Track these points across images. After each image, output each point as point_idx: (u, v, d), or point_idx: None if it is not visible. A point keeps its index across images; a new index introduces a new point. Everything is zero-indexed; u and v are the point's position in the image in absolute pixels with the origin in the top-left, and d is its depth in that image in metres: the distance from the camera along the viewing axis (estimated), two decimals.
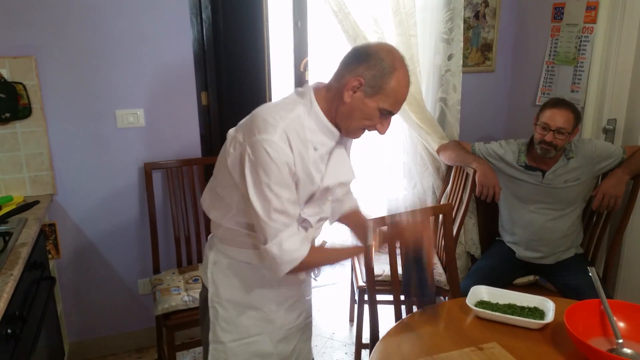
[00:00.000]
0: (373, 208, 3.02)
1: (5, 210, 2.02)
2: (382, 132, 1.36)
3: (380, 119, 1.33)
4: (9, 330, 1.45)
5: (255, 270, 1.45)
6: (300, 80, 2.77)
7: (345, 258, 1.49)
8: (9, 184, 2.25)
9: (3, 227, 1.83)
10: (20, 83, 2.18)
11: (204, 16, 2.40)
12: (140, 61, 2.33)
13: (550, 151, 2.21)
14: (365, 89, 1.28)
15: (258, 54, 2.50)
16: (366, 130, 1.38)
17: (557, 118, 2.16)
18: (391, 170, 2.89)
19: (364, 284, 2.25)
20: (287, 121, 1.27)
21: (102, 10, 2.23)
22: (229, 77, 2.49)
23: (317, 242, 1.52)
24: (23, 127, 2.22)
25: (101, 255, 2.49)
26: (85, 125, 2.33)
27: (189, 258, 2.52)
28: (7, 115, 2.17)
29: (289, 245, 1.29)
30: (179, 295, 2.18)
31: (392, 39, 2.52)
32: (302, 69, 2.76)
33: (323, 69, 2.97)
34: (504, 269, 2.38)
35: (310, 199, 1.36)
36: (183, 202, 2.49)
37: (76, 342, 2.53)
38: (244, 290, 1.47)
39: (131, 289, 2.58)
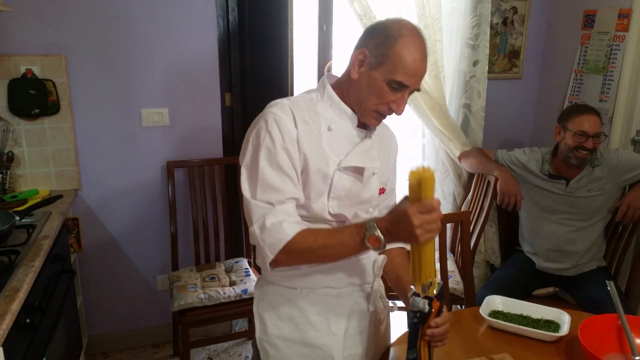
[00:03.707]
0: None
1: (30, 203, 2.08)
2: (397, 111, 1.21)
3: (393, 95, 1.19)
4: (28, 320, 1.49)
5: (304, 297, 1.28)
6: None
7: (347, 239, 1.14)
8: (36, 178, 2.32)
9: (27, 220, 1.88)
10: (50, 80, 2.25)
11: (230, 18, 2.43)
12: (167, 62, 2.38)
13: (587, 158, 2.17)
14: (370, 59, 1.18)
15: (282, 57, 2.52)
16: (384, 115, 1.24)
17: (593, 124, 2.14)
18: None
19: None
20: (294, 101, 1.24)
21: (130, 11, 2.28)
22: (253, 78, 2.52)
23: None
24: (51, 123, 2.29)
25: (122, 250, 2.54)
26: (111, 123, 2.38)
27: (207, 256, 2.55)
28: (37, 111, 2.24)
29: (273, 225, 1.14)
30: (195, 292, 2.21)
31: None
32: (326, 72, 2.76)
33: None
34: (523, 279, 2.34)
35: (338, 198, 1.24)
36: (203, 201, 2.53)
37: (94, 334, 2.58)
38: (292, 323, 1.28)
39: (150, 285, 2.63)
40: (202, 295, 2.19)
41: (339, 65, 2.82)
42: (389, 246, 1.34)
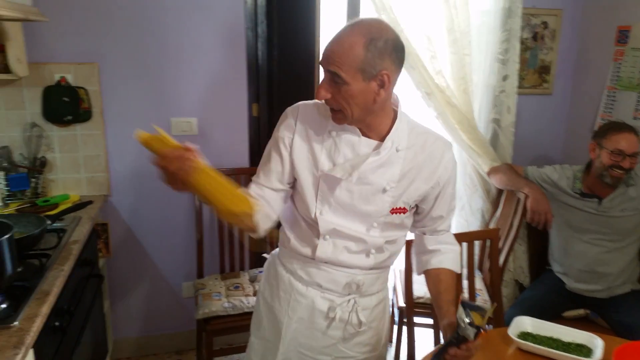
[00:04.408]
0: None
1: (61, 207, 2.12)
2: (316, 94, 1.23)
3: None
4: (57, 323, 1.52)
5: (288, 277, 1.44)
6: None
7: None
8: (67, 183, 2.36)
9: (58, 224, 1.92)
10: (83, 88, 2.30)
11: (259, 30, 2.46)
12: (196, 72, 2.41)
13: (622, 178, 2.12)
14: None
15: (309, 69, 2.53)
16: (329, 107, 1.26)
17: (631, 142, 2.09)
18: None
19: (404, 305, 2.20)
20: (311, 104, 1.35)
21: (162, 21, 2.32)
22: (280, 89, 2.54)
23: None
24: (83, 130, 2.34)
25: (149, 257, 2.57)
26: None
27: (232, 265, 2.56)
28: (69, 117, 2.30)
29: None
30: (220, 301, 2.21)
31: (445, 57, 2.50)
32: None
33: None
34: (552, 300, 2.28)
35: (328, 204, 1.31)
36: None
37: (120, 339, 2.61)
38: (272, 289, 1.49)
39: (175, 291, 2.64)
40: (226, 304, 2.19)
41: None
42: (434, 265, 1.41)
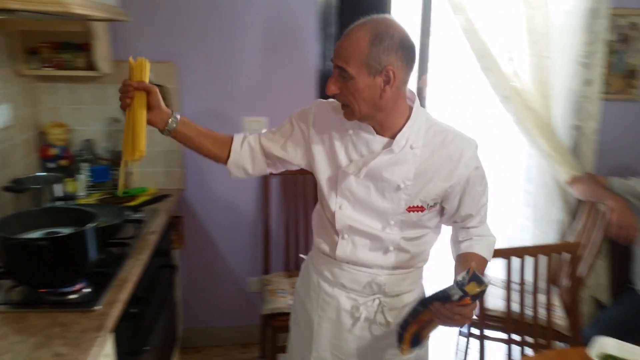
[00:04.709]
0: None
1: (140, 200, 2.22)
2: (326, 88, 1.28)
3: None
4: (134, 310, 1.58)
5: (320, 274, 1.48)
6: (418, 95, 2.72)
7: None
8: (145, 176, 2.47)
9: (137, 215, 2.01)
10: (163, 86, 2.39)
11: (330, 31, 2.46)
12: (268, 72, 2.46)
13: None
14: None
15: None
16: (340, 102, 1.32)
17: None
18: (511, 199, 2.73)
19: (475, 318, 2.12)
20: (328, 101, 1.41)
21: (237, 22, 2.38)
22: None
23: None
24: None
25: (219, 250, 2.65)
26: (215, 129, 2.47)
27: (297, 263, 2.58)
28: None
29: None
30: (285, 298, 2.24)
31: (523, 59, 2.39)
32: (421, 86, 2.72)
33: (444, 86, 2.89)
34: (636, 321, 2.12)
35: (347, 199, 1.36)
36: (294, 210, 2.57)
37: (188, 328, 2.70)
38: (302, 285, 1.55)
39: (242, 285, 2.71)
40: (290, 301, 2.21)
41: (435, 78, 2.76)
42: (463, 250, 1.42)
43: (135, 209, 2.01)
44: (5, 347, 1.19)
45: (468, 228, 1.42)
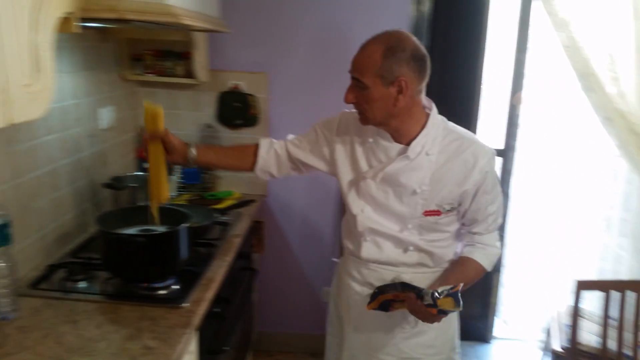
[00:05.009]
0: (576, 263, 2.69)
1: (227, 203, 2.30)
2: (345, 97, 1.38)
3: None
4: (217, 309, 1.64)
5: (349, 271, 1.58)
6: (512, 113, 2.62)
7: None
8: (231, 181, 2.56)
9: (224, 218, 2.08)
10: (253, 95, 2.49)
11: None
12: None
13: None
14: None
15: (471, 85, 2.45)
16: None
17: None
18: (605, 227, 2.54)
19: (562, 351, 1.98)
20: (351, 112, 1.48)
21: (328, 34, 2.41)
22: (438, 104, 2.47)
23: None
24: (249, 134, 2.52)
25: (296, 257, 2.68)
26: None
27: None
28: (239, 122, 2.49)
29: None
30: None
31: (629, 80, 2.22)
32: (515, 102, 2.61)
33: (540, 103, 2.76)
34: None
35: (369, 204, 1.45)
36: None
37: (261, 332, 2.75)
38: (335, 287, 1.67)
39: (316, 294, 2.72)
40: None
41: (531, 96, 2.64)
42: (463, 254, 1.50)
43: (223, 211, 2.08)
44: (100, 336, 1.27)
45: (473, 233, 1.48)
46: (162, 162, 1.48)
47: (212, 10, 1.99)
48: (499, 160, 2.70)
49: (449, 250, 1.50)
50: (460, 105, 2.51)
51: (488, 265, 1.47)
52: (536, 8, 2.44)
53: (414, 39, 1.33)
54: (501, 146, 2.68)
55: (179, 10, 1.52)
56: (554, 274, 3.03)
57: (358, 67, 1.33)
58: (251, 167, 1.61)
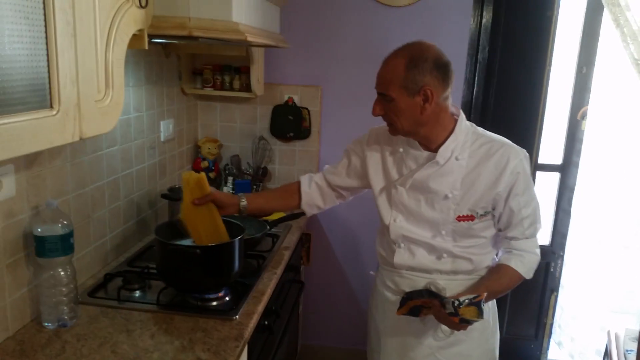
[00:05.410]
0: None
1: (278, 216, 2.31)
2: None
3: None
4: (266, 322, 1.65)
5: (384, 281, 1.60)
6: (573, 129, 2.52)
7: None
8: None
9: (274, 230, 2.10)
10: (306, 108, 2.51)
11: (479, 57, 2.38)
12: None
13: None
14: None
15: (533, 101, 2.37)
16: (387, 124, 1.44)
17: None
18: None
19: None
20: (381, 127, 1.51)
21: (382, 47, 2.38)
22: (495, 121, 2.41)
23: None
24: (300, 146, 2.55)
25: (341, 271, 2.68)
26: None
27: None
28: (291, 134, 2.52)
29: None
30: None
31: None
32: (579, 118, 2.50)
33: (605, 119, 2.64)
34: None
35: (401, 213, 1.47)
36: None
37: (304, 344, 2.75)
38: (372, 298, 1.69)
39: (361, 309, 2.69)
40: None
41: (596, 111, 2.53)
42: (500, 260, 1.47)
43: (273, 224, 2.10)
44: (154, 346, 1.29)
45: (509, 239, 1.45)
46: (218, 218, 1.53)
47: (274, 27, 2.02)
48: (555, 176, 2.60)
49: (487, 257, 1.49)
50: (520, 122, 2.43)
51: (526, 273, 1.44)
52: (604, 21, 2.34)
53: (436, 47, 1.35)
54: (559, 161, 2.58)
55: (245, 27, 1.55)
56: (615, 295, 2.87)
57: (382, 81, 1.36)
58: (298, 204, 1.68)
